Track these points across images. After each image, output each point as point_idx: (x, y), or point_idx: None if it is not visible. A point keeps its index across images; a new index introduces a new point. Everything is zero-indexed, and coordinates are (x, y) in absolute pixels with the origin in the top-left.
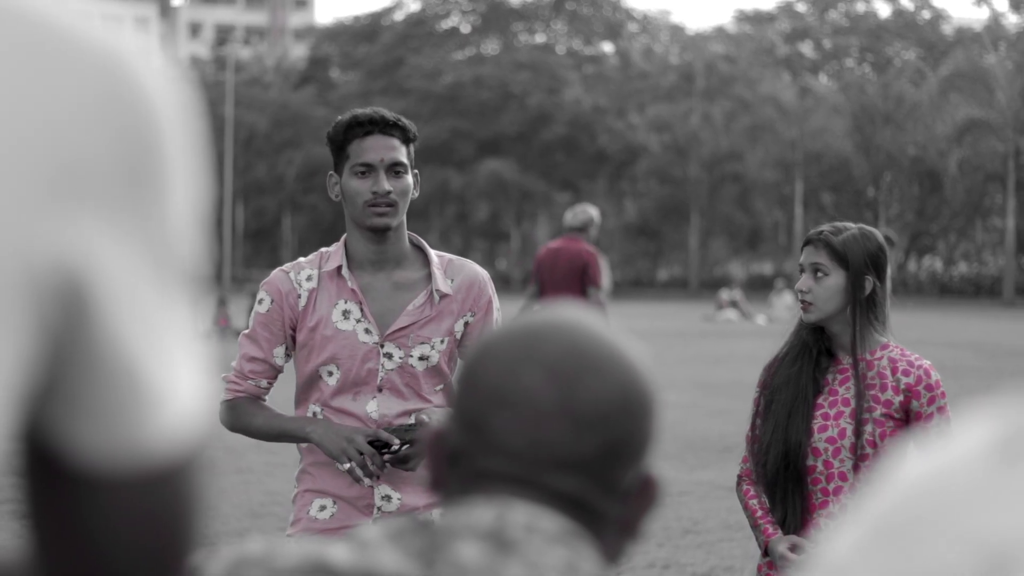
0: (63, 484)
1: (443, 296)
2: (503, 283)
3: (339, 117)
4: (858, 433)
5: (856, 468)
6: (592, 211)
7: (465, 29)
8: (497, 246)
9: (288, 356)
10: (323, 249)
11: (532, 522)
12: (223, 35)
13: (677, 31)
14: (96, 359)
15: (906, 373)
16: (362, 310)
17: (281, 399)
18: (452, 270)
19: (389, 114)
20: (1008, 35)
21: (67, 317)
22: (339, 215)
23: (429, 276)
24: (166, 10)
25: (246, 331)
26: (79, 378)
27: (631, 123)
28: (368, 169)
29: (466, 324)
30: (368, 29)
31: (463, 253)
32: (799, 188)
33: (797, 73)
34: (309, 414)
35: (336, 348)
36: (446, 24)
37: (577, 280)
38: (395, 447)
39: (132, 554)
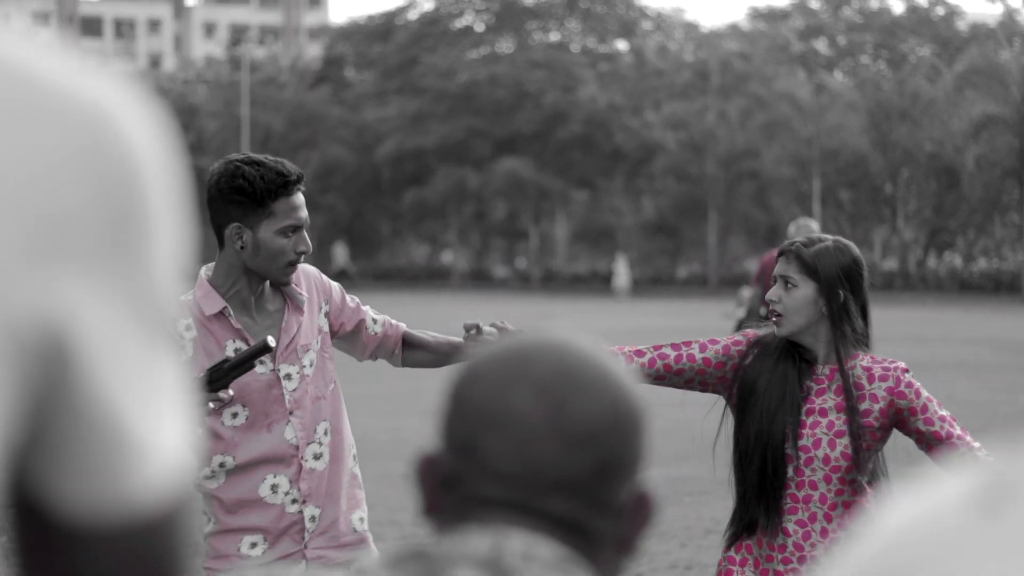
0: (50, 536)
1: (301, 298)
2: (522, 281)
3: (243, 168)
4: (856, 449)
5: (827, 479)
6: (814, 226)
7: (479, 28)
8: (516, 244)
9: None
10: (183, 297)
11: (529, 550)
12: (237, 35)
13: (691, 29)
14: (80, 414)
15: (883, 378)
16: (249, 344)
17: None
18: (296, 278)
19: (299, 170)
20: (1022, 31)
21: (49, 374)
22: (357, 215)
23: (283, 296)
24: (180, 11)
25: None
26: (63, 433)
27: (647, 121)
28: (296, 229)
29: (326, 315)
30: (382, 28)
31: (481, 252)
32: (816, 185)
33: (812, 70)
34: (217, 464)
35: (237, 388)
36: (460, 23)
37: None
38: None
39: None
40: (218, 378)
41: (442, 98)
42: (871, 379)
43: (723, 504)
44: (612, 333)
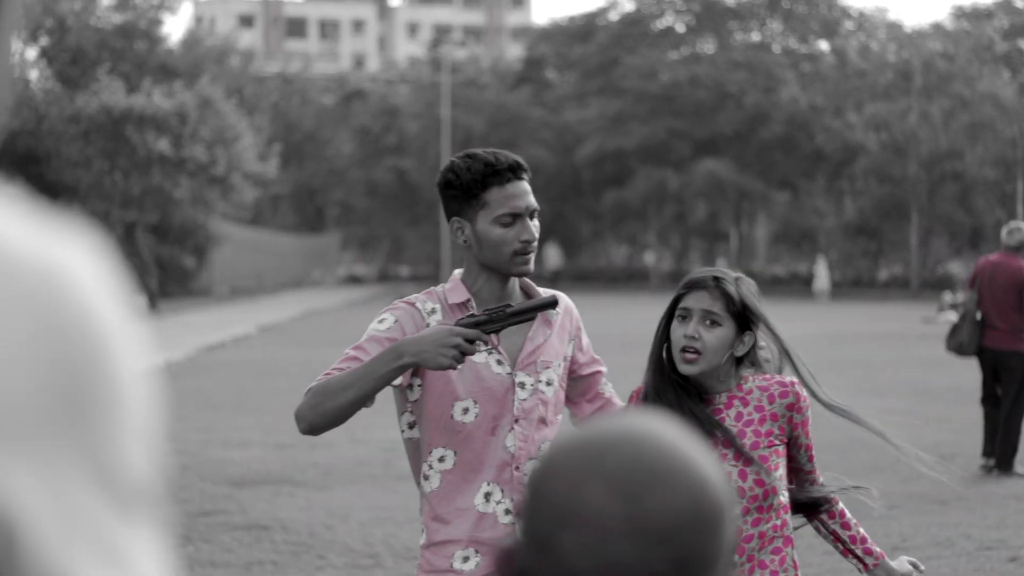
0: None
1: (553, 313)
2: None
3: (459, 161)
4: (768, 472)
5: (745, 511)
6: None
7: (680, 29)
8: (716, 246)
9: (389, 385)
10: (433, 288)
11: None
12: (441, 35)
13: (894, 28)
14: None
15: (783, 395)
16: (486, 342)
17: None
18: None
19: (514, 157)
20: None
21: None
22: (557, 216)
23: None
24: (384, 11)
25: (352, 345)
26: None
27: (848, 122)
28: (515, 218)
29: (571, 347)
30: (583, 29)
31: (681, 253)
32: (1021, 187)
33: (1016, 70)
34: (436, 459)
35: (471, 382)
36: (661, 24)
37: (1013, 295)
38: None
39: None
40: (495, 320)
41: (643, 99)
42: (771, 399)
43: (912, 520)
44: (810, 337)
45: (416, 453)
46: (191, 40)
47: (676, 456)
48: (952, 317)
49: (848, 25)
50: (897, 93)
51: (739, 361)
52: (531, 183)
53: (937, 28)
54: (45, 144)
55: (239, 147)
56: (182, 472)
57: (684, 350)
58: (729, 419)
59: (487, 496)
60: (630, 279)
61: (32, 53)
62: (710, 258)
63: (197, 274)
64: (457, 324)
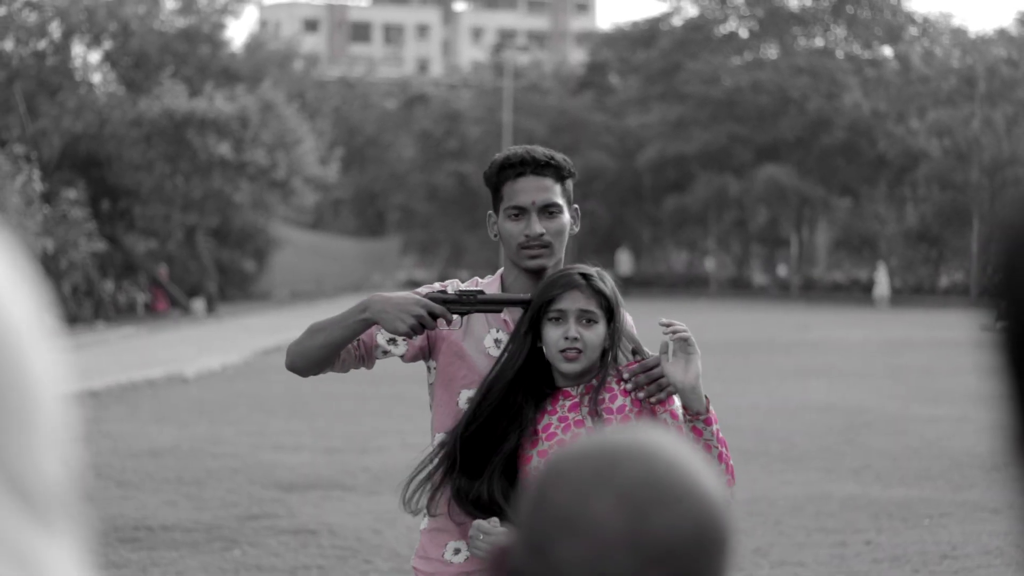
0: None
1: None
2: (781, 290)
3: (494, 156)
4: None
5: None
6: None
7: (743, 34)
8: (776, 252)
9: (392, 355)
10: (476, 278)
11: None
12: (505, 40)
13: (958, 34)
14: None
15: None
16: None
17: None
18: None
19: (541, 153)
20: None
21: None
22: (618, 221)
23: None
24: (449, 16)
25: None
26: None
27: (911, 128)
28: (520, 212)
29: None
30: (646, 34)
31: (742, 260)
32: None
33: None
34: (437, 445)
35: (482, 372)
36: (724, 29)
37: None
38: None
39: None
40: (464, 303)
41: (704, 104)
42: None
43: (962, 528)
44: (869, 344)
45: None
46: (254, 44)
47: (686, 476)
48: None
49: (912, 31)
50: (960, 99)
51: (606, 354)
52: (588, 187)
53: (1002, 34)
54: (107, 148)
55: (300, 151)
56: (231, 475)
57: (565, 350)
58: (583, 407)
59: None
60: (689, 285)
61: (95, 57)
62: (770, 264)
63: (257, 278)
64: (427, 297)
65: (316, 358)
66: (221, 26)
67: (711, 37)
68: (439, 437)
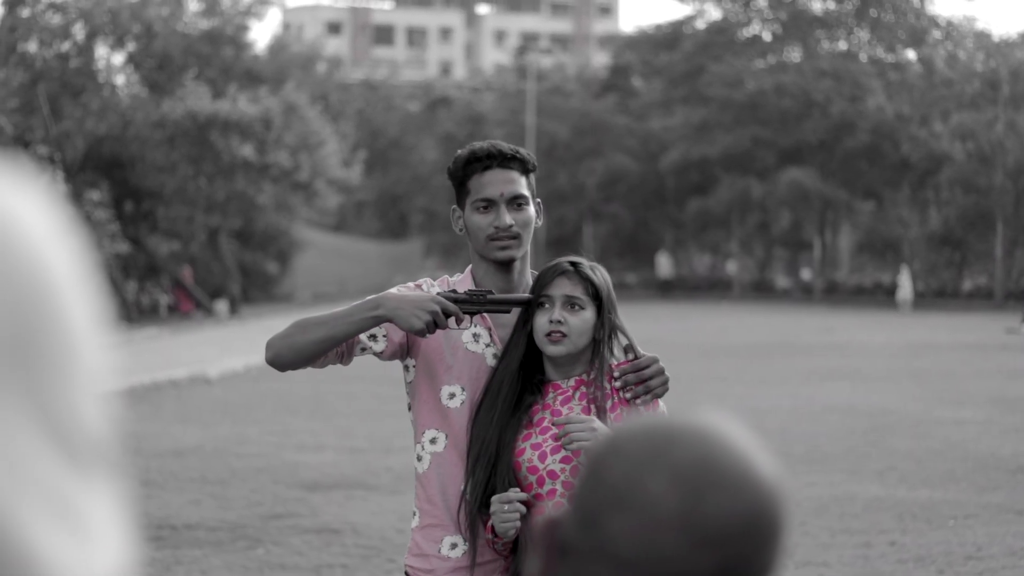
0: None
1: None
2: (804, 293)
3: (458, 152)
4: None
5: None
6: None
7: (767, 37)
8: (799, 255)
9: (370, 351)
10: (445, 276)
11: None
12: (528, 43)
13: (982, 37)
14: None
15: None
16: (491, 335)
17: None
18: None
19: (506, 147)
20: None
21: None
22: (640, 224)
23: None
24: (472, 19)
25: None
26: None
27: (934, 131)
28: (489, 204)
29: None
30: (670, 37)
31: (764, 263)
32: None
33: None
34: (428, 440)
35: (463, 369)
36: (747, 32)
37: None
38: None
39: None
40: (475, 302)
41: (727, 107)
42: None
43: (987, 529)
44: (892, 347)
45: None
46: (277, 46)
47: (743, 460)
48: None
49: (936, 34)
50: (984, 103)
51: (604, 352)
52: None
53: None
54: (130, 149)
55: (323, 153)
56: (255, 475)
57: (549, 333)
58: (575, 400)
59: None
60: (712, 288)
61: (119, 59)
62: (794, 267)
63: (280, 279)
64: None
65: (309, 353)
66: (244, 28)
67: (734, 40)
68: (429, 434)
